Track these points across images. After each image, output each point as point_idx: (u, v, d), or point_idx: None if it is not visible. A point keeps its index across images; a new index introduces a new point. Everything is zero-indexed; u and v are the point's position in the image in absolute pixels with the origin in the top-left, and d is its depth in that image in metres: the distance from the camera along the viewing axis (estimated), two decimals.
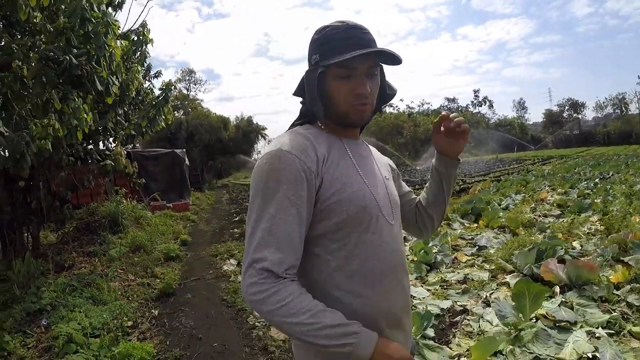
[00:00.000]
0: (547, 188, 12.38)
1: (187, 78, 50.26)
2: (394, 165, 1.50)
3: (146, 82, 11.17)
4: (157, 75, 10.54)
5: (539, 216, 8.31)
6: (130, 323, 4.13)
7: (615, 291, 3.95)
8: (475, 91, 63.18)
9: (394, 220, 1.24)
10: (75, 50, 3.50)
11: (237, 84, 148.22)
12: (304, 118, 1.27)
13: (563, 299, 3.92)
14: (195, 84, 50.07)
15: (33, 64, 3.35)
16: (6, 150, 3.38)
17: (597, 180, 13.18)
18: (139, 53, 7.16)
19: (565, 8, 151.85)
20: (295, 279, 1.07)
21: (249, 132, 45.83)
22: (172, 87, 7.57)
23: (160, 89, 7.73)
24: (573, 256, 5.00)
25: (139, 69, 7.08)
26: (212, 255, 7.22)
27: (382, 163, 1.40)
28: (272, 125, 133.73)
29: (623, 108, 64.10)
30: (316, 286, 1.13)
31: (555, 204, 9.37)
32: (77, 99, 3.76)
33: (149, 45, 7.13)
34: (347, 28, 1.16)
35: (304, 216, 1.08)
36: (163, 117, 7.67)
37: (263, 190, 1.07)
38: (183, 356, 3.38)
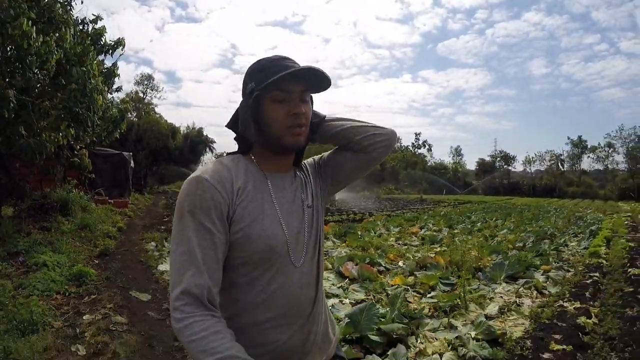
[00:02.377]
0: (430, 225, 15.50)
1: (146, 83, 51.01)
2: (317, 160, 1.52)
3: (108, 94, 13.54)
4: (118, 89, 12.93)
5: (400, 244, 10.97)
6: (80, 264, 6.64)
7: (387, 287, 5.91)
8: (417, 134, 68.12)
9: (301, 262, 1.28)
10: (79, 104, 6.19)
11: (196, 91, 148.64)
12: (238, 149, 1.32)
13: (344, 285, 6.05)
14: (152, 90, 51.01)
15: (55, 110, 6.05)
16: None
17: (479, 223, 16.30)
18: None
19: (524, 66, 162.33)
20: (215, 311, 1.12)
21: (197, 142, 46.92)
22: (128, 111, 10.26)
23: (119, 111, 10.32)
24: (387, 268, 7.52)
25: (106, 89, 9.66)
26: (140, 239, 9.77)
27: (310, 184, 1.42)
28: (223, 138, 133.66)
29: (559, 164, 69.95)
30: (229, 310, 1.22)
31: (420, 237, 12.37)
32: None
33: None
34: (281, 58, 1.25)
35: (219, 241, 1.15)
36: (119, 130, 10.23)
37: (182, 215, 1.15)
38: (110, 277, 6.05)
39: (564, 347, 4.11)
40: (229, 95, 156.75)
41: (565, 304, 5.80)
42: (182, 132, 46.26)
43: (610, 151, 63.02)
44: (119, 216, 13.53)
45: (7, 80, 6.19)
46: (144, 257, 7.65)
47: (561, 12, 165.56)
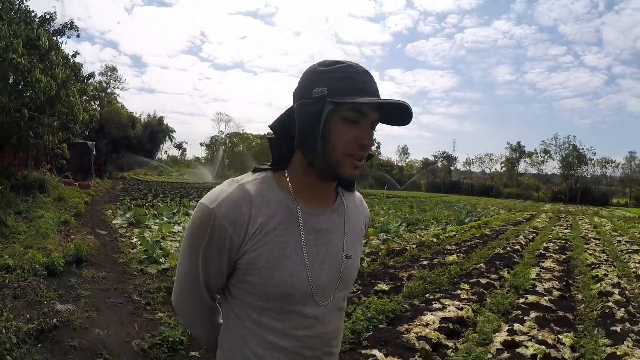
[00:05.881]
0: None
1: (109, 74, 52.81)
2: (367, 222, 1.38)
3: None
4: (87, 96, 16.88)
5: None
6: (65, 217, 10.68)
7: None
8: None
9: (328, 300, 1.16)
10: (70, 121, 10.28)
11: (162, 78, 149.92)
12: (276, 164, 1.16)
13: None
14: (115, 81, 52.93)
15: (55, 124, 10.15)
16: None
17: (373, 212, 20.01)
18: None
19: (490, 71, 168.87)
20: (206, 303, 1.19)
21: (157, 132, 49.66)
22: (95, 117, 14.33)
23: (90, 116, 14.30)
24: None
25: (81, 101, 13.63)
26: (102, 209, 13.87)
27: (355, 232, 1.26)
28: (186, 127, 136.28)
29: (510, 167, 75.14)
30: (231, 341, 1.16)
31: None
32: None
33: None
34: (365, 72, 1.09)
35: (219, 276, 1.11)
36: (88, 129, 14.28)
37: (188, 244, 1.11)
38: (84, 223, 10.23)
39: None
40: (194, 83, 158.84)
41: None
42: (142, 121, 48.77)
43: (546, 157, 68.60)
44: (84, 195, 17.40)
45: (22, 101, 10.22)
46: (104, 217, 11.88)
47: (530, 23, 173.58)
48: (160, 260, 7.00)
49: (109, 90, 48.83)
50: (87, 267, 6.27)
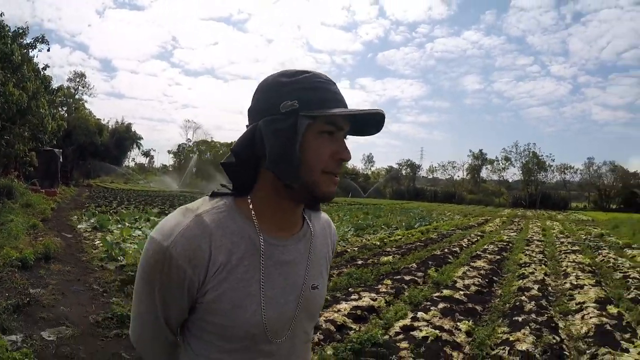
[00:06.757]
0: None
1: (78, 80, 52.71)
2: (334, 247, 1.31)
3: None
4: (55, 104, 17.58)
5: None
6: (33, 221, 11.49)
7: None
8: None
9: (295, 334, 1.09)
10: (39, 131, 11.19)
11: (131, 83, 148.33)
12: (237, 189, 1.05)
13: None
14: (83, 87, 52.75)
15: (26, 134, 11.04)
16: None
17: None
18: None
19: (458, 80, 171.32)
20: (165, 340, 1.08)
21: (124, 138, 49.86)
22: (63, 127, 15.19)
23: (57, 125, 15.12)
24: None
25: (50, 111, 14.45)
26: (67, 214, 14.69)
27: (321, 259, 1.19)
28: (155, 133, 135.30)
29: (475, 174, 76.86)
30: None
31: None
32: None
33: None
34: (330, 81, 1.03)
35: (180, 313, 1.03)
36: (55, 138, 15.08)
37: (143, 282, 1.00)
38: (50, 227, 11.13)
39: None
40: (164, 89, 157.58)
41: None
42: (109, 128, 48.92)
43: (507, 164, 71.00)
44: (50, 201, 18.09)
45: None
46: (69, 222, 12.79)
47: (499, 34, 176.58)
48: (119, 258, 8.03)
49: (76, 96, 48.81)
50: (54, 262, 7.30)
